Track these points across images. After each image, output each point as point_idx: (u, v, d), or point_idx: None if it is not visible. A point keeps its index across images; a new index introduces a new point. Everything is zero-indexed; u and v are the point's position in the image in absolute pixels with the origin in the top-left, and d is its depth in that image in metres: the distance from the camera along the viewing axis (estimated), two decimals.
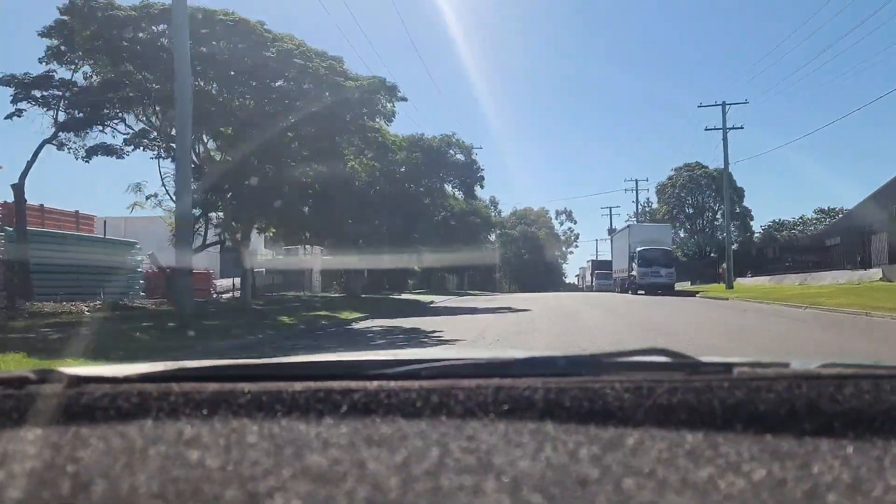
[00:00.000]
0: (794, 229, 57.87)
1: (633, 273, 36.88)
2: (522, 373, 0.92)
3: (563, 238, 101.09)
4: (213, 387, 0.85)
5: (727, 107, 36.49)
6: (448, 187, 42.06)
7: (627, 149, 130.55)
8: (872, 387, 0.78)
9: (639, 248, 36.80)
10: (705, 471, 0.64)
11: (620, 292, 41.05)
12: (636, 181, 68.58)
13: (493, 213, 53.05)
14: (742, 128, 37.52)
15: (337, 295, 31.11)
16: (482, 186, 43.90)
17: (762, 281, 36.73)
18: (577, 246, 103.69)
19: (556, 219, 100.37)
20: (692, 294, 31.74)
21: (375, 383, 0.86)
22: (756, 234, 60.20)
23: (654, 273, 35.61)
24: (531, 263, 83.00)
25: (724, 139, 36.74)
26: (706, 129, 38.54)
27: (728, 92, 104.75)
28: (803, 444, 0.70)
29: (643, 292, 35.48)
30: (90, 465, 0.66)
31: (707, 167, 60.93)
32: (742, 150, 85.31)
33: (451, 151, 41.05)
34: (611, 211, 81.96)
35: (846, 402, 0.76)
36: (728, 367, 0.89)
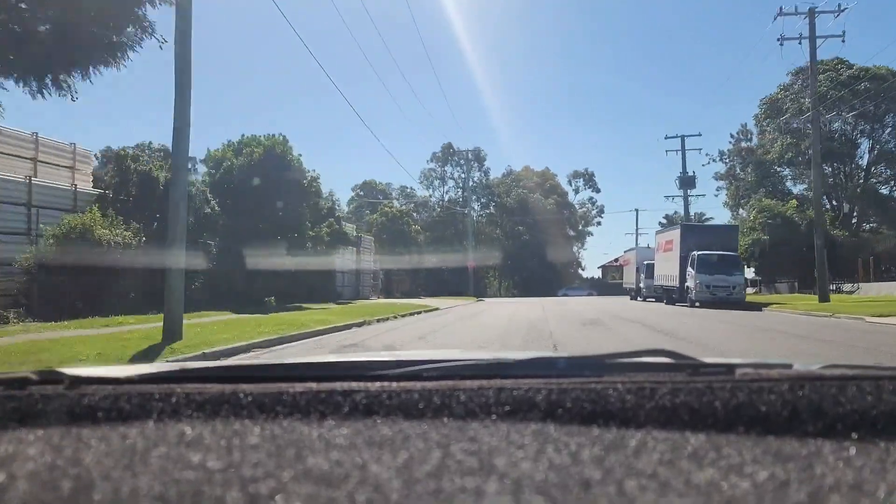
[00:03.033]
0: None
1: None
2: (524, 374, 0.92)
3: (579, 211, 69.05)
4: (214, 388, 0.86)
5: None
6: None
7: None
8: (874, 388, 0.78)
9: None
10: (708, 472, 0.63)
11: None
12: (784, 32, 29.12)
13: None
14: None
15: None
16: None
17: None
18: (599, 223, 71.41)
19: (570, 185, 68.95)
20: None
21: (377, 384, 0.86)
22: None
23: None
24: (532, 249, 56.97)
25: None
26: None
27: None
28: (806, 446, 0.70)
29: None
30: (92, 467, 0.67)
31: (856, 65, 33.80)
32: None
33: None
34: (683, 141, 44.29)
35: (848, 403, 0.76)
36: (730, 368, 0.89)
